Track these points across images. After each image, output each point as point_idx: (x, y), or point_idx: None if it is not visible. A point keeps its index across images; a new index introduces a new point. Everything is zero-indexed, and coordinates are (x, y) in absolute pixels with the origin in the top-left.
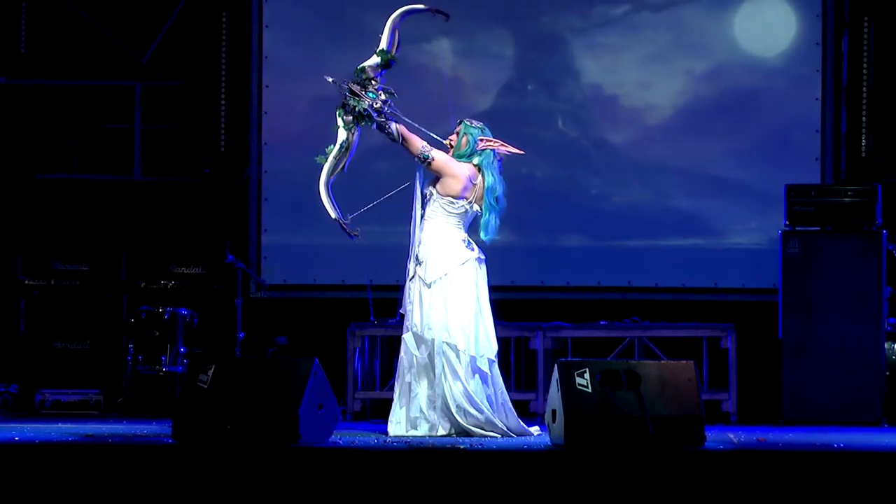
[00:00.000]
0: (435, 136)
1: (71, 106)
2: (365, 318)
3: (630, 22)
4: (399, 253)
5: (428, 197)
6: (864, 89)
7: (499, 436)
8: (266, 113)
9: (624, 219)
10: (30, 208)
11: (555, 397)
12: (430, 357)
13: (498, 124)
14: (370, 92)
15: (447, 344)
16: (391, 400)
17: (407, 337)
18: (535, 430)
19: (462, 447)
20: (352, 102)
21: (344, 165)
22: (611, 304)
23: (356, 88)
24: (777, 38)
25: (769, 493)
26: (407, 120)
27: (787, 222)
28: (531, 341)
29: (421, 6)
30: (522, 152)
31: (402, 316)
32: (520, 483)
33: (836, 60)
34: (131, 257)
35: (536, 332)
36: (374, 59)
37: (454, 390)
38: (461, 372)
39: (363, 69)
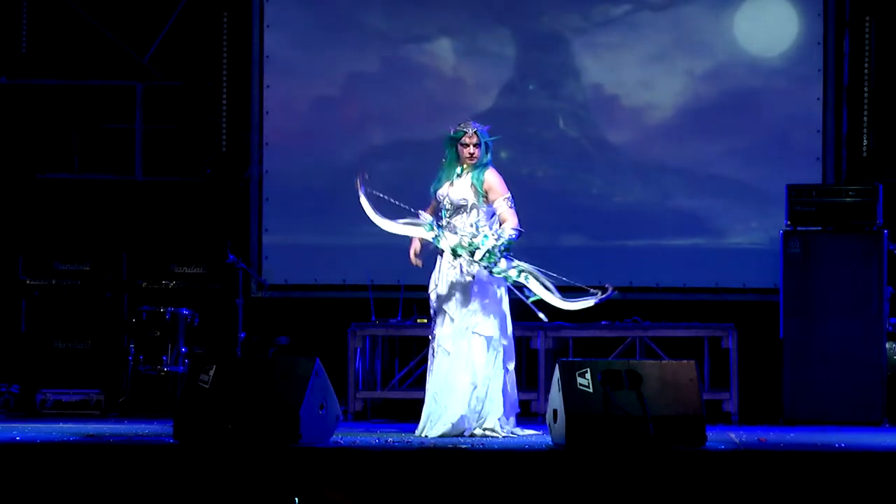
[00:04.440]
0: (413, 210)
1: (72, 106)
2: (366, 317)
3: (631, 21)
4: (400, 253)
5: (469, 205)
6: (866, 89)
7: (501, 436)
8: (267, 113)
9: (625, 219)
10: (31, 208)
11: (556, 397)
12: (486, 357)
13: (499, 124)
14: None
15: (503, 345)
16: (392, 400)
17: (476, 341)
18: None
19: (464, 447)
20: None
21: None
22: (612, 303)
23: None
24: (778, 38)
25: (770, 493)
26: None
27: (788, 222)
28: (532, 341)
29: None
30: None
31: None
32: (521, 483)
33: (838, 60)
34: (132, 257)
35: (538, 331)
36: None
37: (495, 390)
38: (500, 372)
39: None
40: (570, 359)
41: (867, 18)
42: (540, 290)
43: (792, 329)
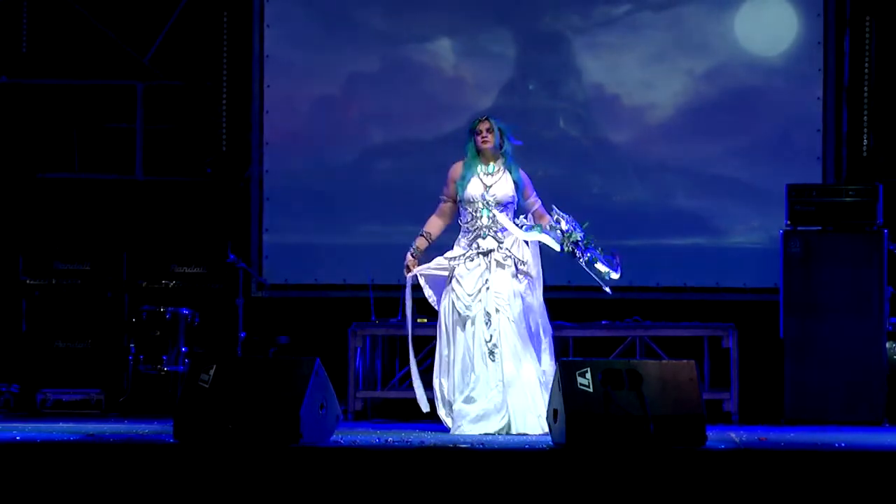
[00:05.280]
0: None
1: (72, 105)
2: (366, 317)
3: (631, 21)
4: (400, 252)
5: (515, 202)
6: (866, 89)
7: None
8: (267, 112)
9: (625, 218)
10: (31, 208)
11: (556, 397)
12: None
13: None
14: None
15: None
16: (393, 399)
17: (538, 338)
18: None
19: (463, 446)
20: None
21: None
22: (612, 303)
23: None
24: (778, 38)
25: (771, 493)
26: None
27: (789, 222)
28: None
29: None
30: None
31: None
32: (521, 482)
33: (838, 60)
34: (133, 257)
35: None
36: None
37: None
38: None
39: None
40: (570, 358)
41: (867, 18)
42: (605, 268)
43: (792, 329)
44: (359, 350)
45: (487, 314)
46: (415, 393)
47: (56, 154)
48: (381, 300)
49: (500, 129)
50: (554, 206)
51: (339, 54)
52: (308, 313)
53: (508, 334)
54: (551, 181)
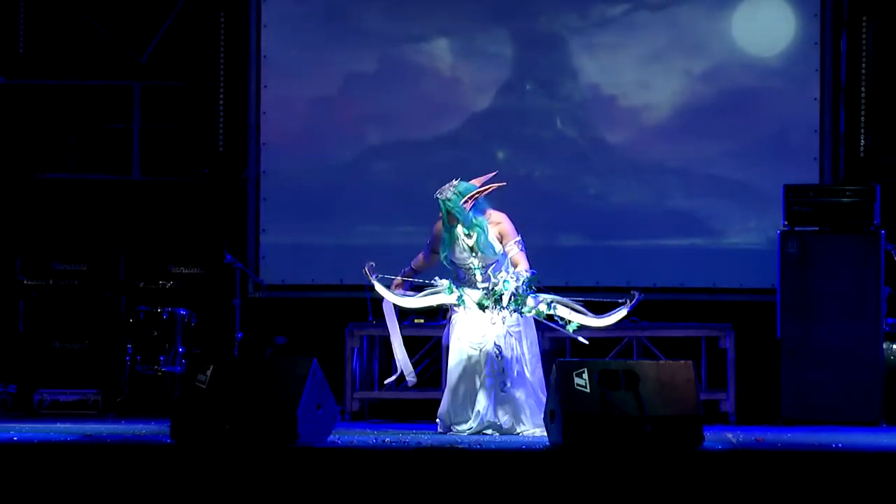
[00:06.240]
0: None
1: (70, 106)
2: (363, 318)
3: (629, 21)
4: (397, 252)
5: (498, 257)
6: (863, 89)
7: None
8: (265, 113)
9: (622, 219)
10: (29, 208)
11: (553, 397)
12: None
13: (496, 124)
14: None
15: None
16: (389, 400)
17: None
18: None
19: (461, 447)
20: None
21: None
22: (609, 304)
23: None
24: (775, 38)
25: (767, 493)
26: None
27: (786, 222)
28: None
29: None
30: (503, 184)
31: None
32: (518, 483)
33: (835, 60)
34: (130, 257)
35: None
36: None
37: None
38: None
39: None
40: (567, 359)
41: (864, 19)
42: (571, 315)
43: (789, 329)
44: (356, 350)
45: (497, 347)
46: (411, 395)
47: (54, 154)
48: (378, 300)
49: (447, 212)
50: (502, 268)
51: (336, 55)
52: (305, 314)
53: (525, 357)
54: (548, 181)
